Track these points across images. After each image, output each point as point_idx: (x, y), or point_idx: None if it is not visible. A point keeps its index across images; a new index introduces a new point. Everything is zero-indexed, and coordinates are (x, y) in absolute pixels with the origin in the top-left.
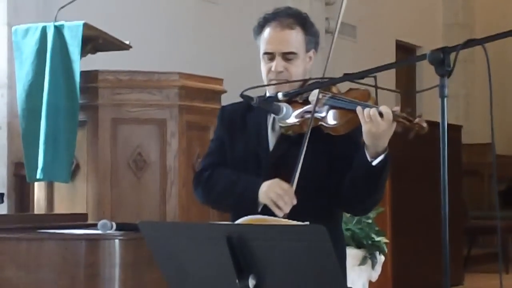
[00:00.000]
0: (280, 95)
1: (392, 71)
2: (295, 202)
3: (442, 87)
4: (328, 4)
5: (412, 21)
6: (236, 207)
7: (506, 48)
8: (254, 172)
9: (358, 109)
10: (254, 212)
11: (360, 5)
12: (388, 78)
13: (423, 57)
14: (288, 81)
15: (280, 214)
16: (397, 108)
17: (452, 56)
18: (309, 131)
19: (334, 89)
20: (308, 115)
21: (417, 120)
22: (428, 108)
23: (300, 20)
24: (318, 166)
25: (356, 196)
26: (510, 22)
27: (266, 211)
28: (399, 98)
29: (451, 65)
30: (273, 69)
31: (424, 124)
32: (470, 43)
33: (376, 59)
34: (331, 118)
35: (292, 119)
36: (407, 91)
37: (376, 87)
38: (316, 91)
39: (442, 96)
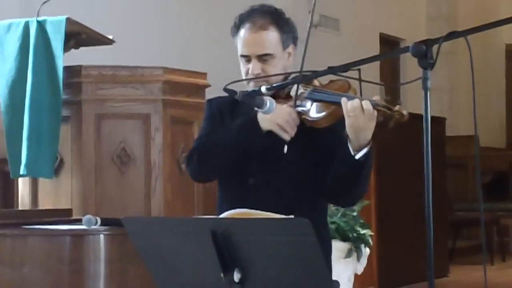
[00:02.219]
0: (263, 89)
1: (376, 64)
2: (298, 122)
3: (425, 79)
4: None
5: (396, 14)
6: (234, 150)
7: (489, 41)
8: (243, 169)
9: (343, 100)
10: (257, 142)
11: None
12: (372, 71)
13: (406, 49)
14: (270, 75)
15: (288, 137)
16: (377, 97)
17: (435, 48)
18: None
19: (316, 82)
20: (297, 104)
21: (397, 107)
22: (412, 101)
23: (274, 18)
24: (303, 160)
25: (340, 189)
26: (493, 15)
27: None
28: (383, 91)
29: (434, 58)
30: (250, 71)
31: (405, 112)
32: (452, 35)
33: (360, 52)
34: (313, 112)
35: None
36: (391, 84)
37: (360, 79)
38: (296, 85)
39: (425, 88)
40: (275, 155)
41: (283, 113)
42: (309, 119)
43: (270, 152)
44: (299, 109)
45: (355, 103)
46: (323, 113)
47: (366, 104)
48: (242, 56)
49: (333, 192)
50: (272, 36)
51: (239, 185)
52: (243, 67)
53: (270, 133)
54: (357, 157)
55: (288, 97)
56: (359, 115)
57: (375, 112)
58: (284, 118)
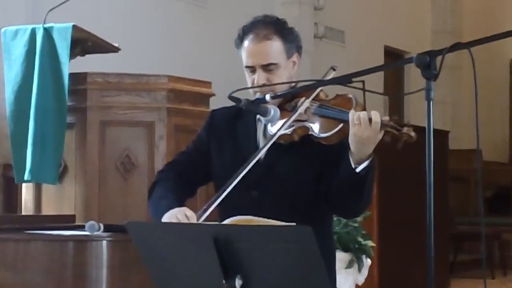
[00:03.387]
0: (268, 97)
1: (380, 76)
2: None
3: (428, 90)
4: (317, 9)
5: (401, 27)
6: (152, 216)
7: (494, 56)
8: (243, 179)
9: (351, 114)
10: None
11: (349, 10)
12: (376, 83)
13: (409, 60)
14: (275, 84)
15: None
16: (386, 118)
17: (439, 59)
18: (275, 138)
19: (322, 94)
20: (299, 124)
21: (405, 130)
22: (416, 114)
23: (278, 28)
24: (307, 171)
25: (343, 202)
26: (498, 29)
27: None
28: (387, 102)
29: (438, 69)
30: (255, 82)
31: (412, 133)
32: (456, 47)
33: (365, 64)
34: (320, 128)
35: (282, 128)
36: (394, 95)
37: (364, 89)
38: (304, 99)
39: (428, 99)
40: (278, 168)
41: (179, 213)
42: (316, 135)
43: (273, 165)
44: (306, 124)
45: (362, 114)
46: (331, 132)
47: (375, 116)
48: (247, 67)
49: (336, 204)
50: (276, 45)
51: (242, 198)
52: (248, 78)
53: (275, 144)
54: (357, 170)
55: (294, 110)
56: (365, 126)
57: (382, 132)
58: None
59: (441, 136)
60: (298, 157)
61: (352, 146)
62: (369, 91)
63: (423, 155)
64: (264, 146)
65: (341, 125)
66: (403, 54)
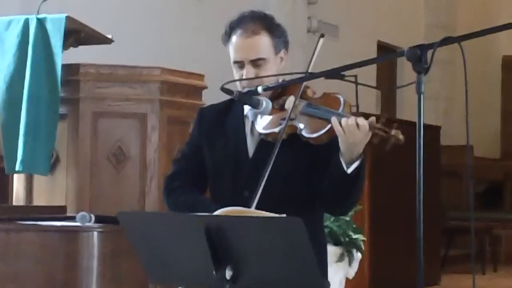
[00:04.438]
0: (259, 89)
1: (373, 71)
2: None
3: (419, 83)
4: (311, 3)
5: (394, 22)
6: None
7: (486, 52)
8: (234, 179)
9: (333, 120)
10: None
11: (342, 5)
12: (369, 78)
13: (401, 53)
14: (265, 76)
15: None
16: (373, 119)
17: (430, 53)
18: (279, 145)
19: (309, 92)
20: (288, 121)
21: (393, 132)
22: (408, 109)
23: (265, 23)
24: (298, 169)
25: (332, 201)
26: (492, 24)
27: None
28: (379, 96)
29: (428, 62)
30: (244, 76)
31: (400, 136)
32: (447, 41)
33: (358, 59)
34: (309, 128)
35: (271, 125)
36: (386, 89)
37: (356, 83)
38: (292, 98)
39: (419, 92)
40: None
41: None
42: (305, 135)
43: (262, 163)
44: (294, 123)
45: (350, 121)
46: (319, 133)
47: (362, 121)
48: (236, 62)
49: (327, 203)
50: (264, 40)
51: (234, 197)
52: (236, 73)
53: (264, 142)
54: (349, 171)
55: (282, 109)
56: (355, 131)
57: (370, 133)
58: None
59: (433, 131)
60: (286, 155)
61: (342, 148)
62: (361, 84)
63: (414, 149)
64: (275, 148)
65: (329, 125)
66: (397, 49)
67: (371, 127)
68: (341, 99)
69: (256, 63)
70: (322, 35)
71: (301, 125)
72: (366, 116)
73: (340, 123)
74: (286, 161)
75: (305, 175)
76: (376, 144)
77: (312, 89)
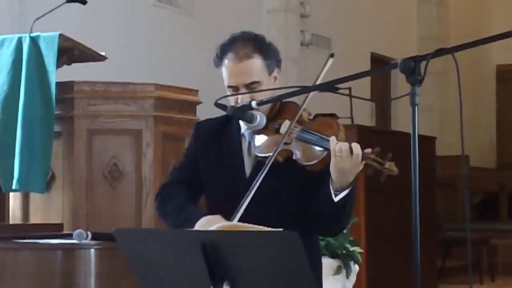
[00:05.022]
0: (254, 104)
1: (367, 84)
2: None
3: (413, 95)
4: (304, 16)
5: (387, 34)
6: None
7: (480, 62)
8: (231, 199)
9: (332, 139)
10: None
11: (335, 18)
12: (363, 90)
13: (394, 66)
14: (258, 91)
15: None
16: (368, 150)
17: (423, 65)
18: (267, 168)
19: (304, 114)
20: (283, 146)
21: (387, 165)
22: (403, 120)
23: (257, 45)
24: (293, 190)
25: (320, 225)
26: (483, 35)
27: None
28: (374, 108)
29: (422, 74)
30: (239, 101)
31: (394, 168)
32: (440, 52)
33: (351, 72)
34: (304, 155)
35: (267, 149)
36: (380, 101)
37: (350, 96)
38: (287, 123)
39: (413, 104)
40: (263, 187)
41: (213, 223)
42: (300, 162)
43: (262, 185)
44: (290, 148)
45: (344, 146)
46: (314, 161)
47: (356, 148)
48: (230, 87)
49: (314, 226)
50: (257, 63)
51: (229, 212)
52: (231, 98)
53: (261, 163)
54: (336, 199)
55: (277, 132)
56: (347, 157)
57: (363, 163)
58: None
59: (428, 142)
60: (282, 177)
61: (333, 175)
62: (355, 97)
63: (409, 161)
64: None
65: (325, 153)
66: (390, 61)
67: (364, 157)
68: (336, 125)
69: (250, 86)
70: (332, 55)
71: (297, 152)
72: (362, 128)
73: (334, 149)
74: (282, 183)
75: (299, 197)
76: (370, 175)
77: (307, 110)
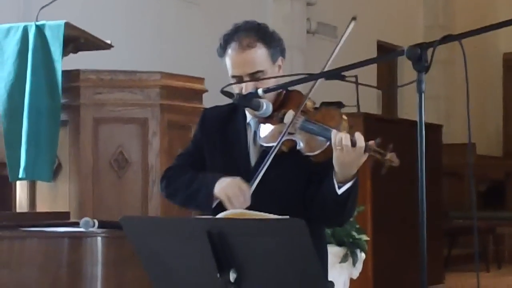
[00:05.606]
0: (260, 91)
1: (374, 71)
2: (249, 203)
3: (419, 82)
4: (310, 4)
5: (393, 22)
6: (191, 202)
7: (487, 50)
8: None
9: (333, 132)
10: (207, 208)
11: (341, 6)
12: (369, 78)
13: (401, 53)
14: (267, 78)
15: (232, 209)
16: (371, 142)
17: (430, 52)
18: (270, 158)
19: (309, 103)
20: (287, 136)
21: (388, 156)
22: (409, 108)
23: (260, 34)
24: (298, 180)
25: (323, 217)
26: (489, 23)
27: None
28: (380, 96)
29: (429, 61)
30: (243, 91)
31: (396, 160)
32: (447, 39)
33: (357, 60)
34: (307, 146)
35: (271, 139)
36: (386, 89)
37: (357, 83)
38: (291, 113)
39: (420, 91)
40: (268, 177)
41: (234, 186)
42: (303, 152)
43: (263, 174)
44: (294, 138)
45: (345, 139)
46: (317, 152)
47: (359, 141)
48: (234, 76)
49: (317, 217)
50: (260, 52)
51: None
52: (235, 87)
53: (266, 153)
54: (339, 192)
55: (281, 122)
56: (348, 150)
57: (366, 155)
58: (234, 192)
59: (435, 130)
60: (287, 166)
61: (336, 167)
62: (362, 84)
63: (416, 149)
64: (267, 160)
65: (327, 144)
66: (396, 48)
67: (367, 148)
68: (339, 116)
69: (254, 76)
70: (354, 18)
71: (300, 143)
72: (369, 116)
73: (335, 142)
74: (287, 173)
75: (305, 186)
76: (371, 167)
77: (312, 100)
